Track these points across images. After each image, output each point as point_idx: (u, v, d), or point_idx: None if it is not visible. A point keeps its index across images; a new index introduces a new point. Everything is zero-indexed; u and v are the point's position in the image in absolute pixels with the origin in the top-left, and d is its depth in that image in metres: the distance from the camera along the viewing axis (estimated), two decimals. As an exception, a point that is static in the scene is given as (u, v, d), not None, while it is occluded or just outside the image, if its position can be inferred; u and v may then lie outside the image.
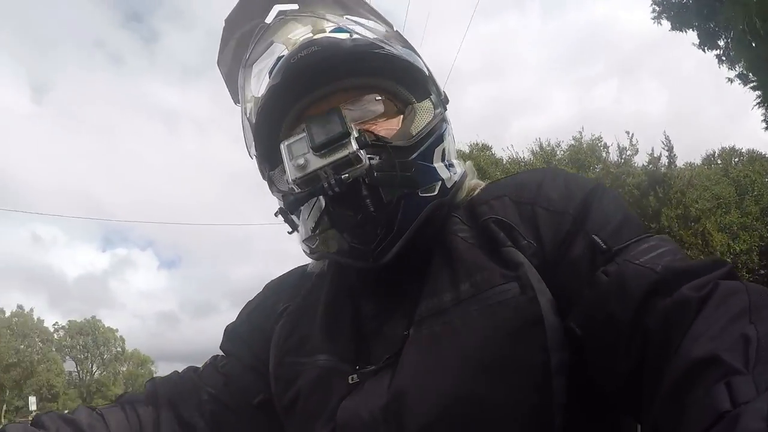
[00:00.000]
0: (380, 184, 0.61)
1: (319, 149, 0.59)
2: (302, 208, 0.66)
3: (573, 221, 0.61)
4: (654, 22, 8.62)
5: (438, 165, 0.68)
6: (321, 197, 0.62)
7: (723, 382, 0.37)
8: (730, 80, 8.43)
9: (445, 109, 0.74)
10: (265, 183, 0.75)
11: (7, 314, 43.87)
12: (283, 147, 0.62)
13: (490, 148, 24.38)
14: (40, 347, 45.03)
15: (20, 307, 45.30)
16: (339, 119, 0.60)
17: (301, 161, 0.60)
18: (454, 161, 0.73)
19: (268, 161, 0.73)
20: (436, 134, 0.69)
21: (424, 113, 0.70)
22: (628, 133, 14.09)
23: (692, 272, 0.51)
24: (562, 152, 21.28)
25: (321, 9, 0.72)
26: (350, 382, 0.63)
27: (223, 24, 0.74)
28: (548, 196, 0.64)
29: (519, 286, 0.58)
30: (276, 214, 0.71)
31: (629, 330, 0.51)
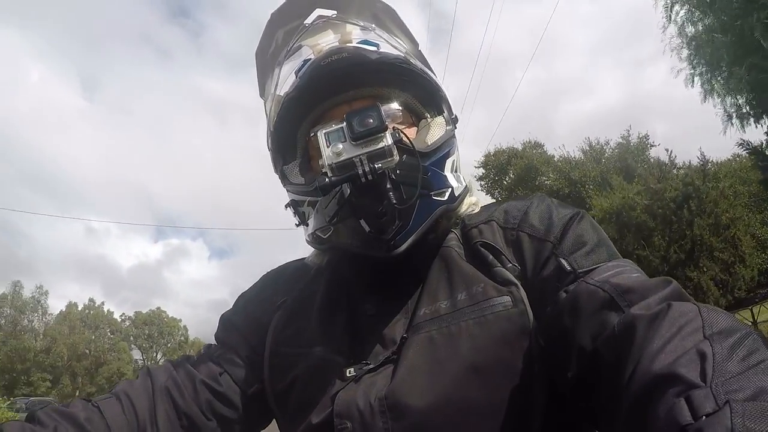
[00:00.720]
0: (403, 181, 0.65)
1: (357, 139, 0.63)
2: (320, 198, 0.70)
3: (552, 248, 0.66)
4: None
5: (448, 174, 0.74)
6: (345, 186, 0.65)
7: (683, 397, 0.38)
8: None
9: (455, 128, 0.79)
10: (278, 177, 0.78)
11: (80, 307, 47.23)
12: (321, 134, 0.65)
13: (542, 145, 24.82)
14: (110, 337, 48.31)
15: (92, 300, 48.72)
16: (378, 114, 0.64)
17: (339, 147, 0.63)
18: (460, 175, 0.78)
19: (283, 156, 0.77)
20: (447, 147, 0.74)
21: (437, 127, 0.75)
22: (667, 150, 15.19)
23: (640, 290, 0.55)
24: (610, 150, 21.87)
25: (356, 18, 0.76)
26: (348, 375, 0.67)
27: (269, 17, 0.77)
28: (532, 224, 0.70)
29: (512, 300, 0.64)
30: (286, 207, 0.75)
31: (579, 343, 0.55)
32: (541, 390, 0.61)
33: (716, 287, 12.04)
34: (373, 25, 0.76)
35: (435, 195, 0.70)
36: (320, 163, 0.66)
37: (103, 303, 49.37)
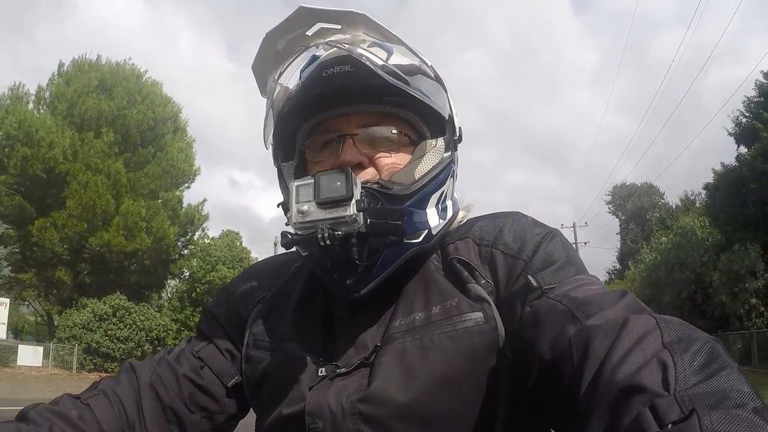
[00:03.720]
0: (371, 233, 0.65)
1: (322, 204, 0.63)
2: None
3: (524, 265, 0.69)
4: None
5: (430, 211, 0.73)
6: None
7: (647, 406, 0.39)
8: None
9: (456, 149, 0.78)
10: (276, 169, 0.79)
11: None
12: (292, 187, 0.66)
13: (657, 188, 32.80)
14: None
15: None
16: (345, 181, 0.63)
17: (305, 208, 0.64)
18: (449, 203, 0.77)
19: (283, 152, 0.78)
20: (438, 180, 0.74)
21: (433, 155, 0.74)
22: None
23: (597, 303, 0.57)
24: (700, 201, 24.07)
25: (362, 33, 0.72)
26: (319, 374, 0.69)
27: (264, 37, 0.72)
28: (506, 242, 0.72)
29: (484, 316, 0.66)
30: (278, 206, 0.74)
31: (539, 354, 0.57)
32: (505, 401, 0.64)
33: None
34: (381, 40, 0.73)
35: (408, 238, 0.70)
36: (288, 216, 0.68)
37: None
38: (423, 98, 0.72)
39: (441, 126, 0.76)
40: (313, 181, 0.65)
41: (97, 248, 19.70)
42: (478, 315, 0.66)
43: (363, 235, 0.65)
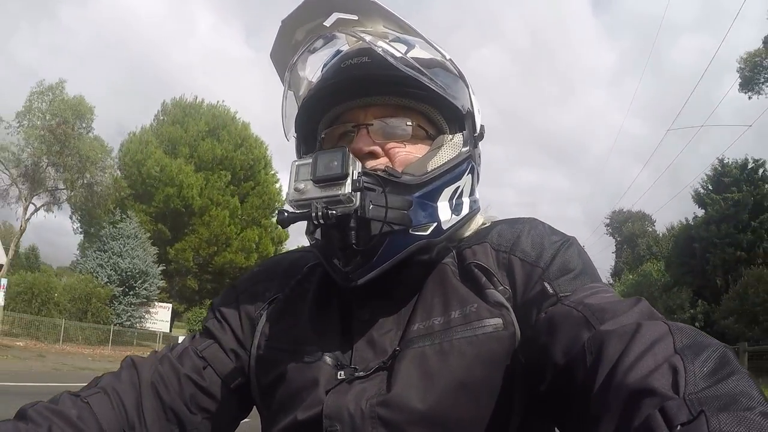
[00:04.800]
0: (371, 218, 0.64)
1: (318, 182, 0.63)
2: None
3: (541, 273, 0.68)
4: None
5: (441, 204, 0.72)
6: None
7: (657, 409, 0.39)
8: None
9: (476, 146, 0.77)
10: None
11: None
12: (293, 166, 0.66)
13: (650, 217, 42.97)
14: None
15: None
16: (341, 159, 0.63)
17: (301, 186, 0.64)
18: (465, 200, 0.76)
19: (305, 146, 0.79)
20: (452, 173, 0.72)
21: (450, 148, 0.73)
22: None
23: (612, 310, 0.57)
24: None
25: (380, 25, 0.73)
26: (338, 377, 0.67)
27: (281, 24, 0.74)
28: (524, 249, 0.71)
29: (503, 322, 0.66)
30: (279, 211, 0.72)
31: (553, 359, 0.57)
32: (520, 406, 0.65)
33: None
34: (400, 32, 0.73)
35: (414, 230, 0.69)
36: (285, 194, 0.69)
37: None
38: (440, 90, 0.71)
39: (460, 121, 0.76)
40: (311, 160, 0.65)
41: (221, 265, 26.83)
42: (498, 321, 0.66)
43: (363, 221, 0.64)
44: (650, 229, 43.55)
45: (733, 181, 25.39)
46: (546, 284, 0.67)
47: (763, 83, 22.43)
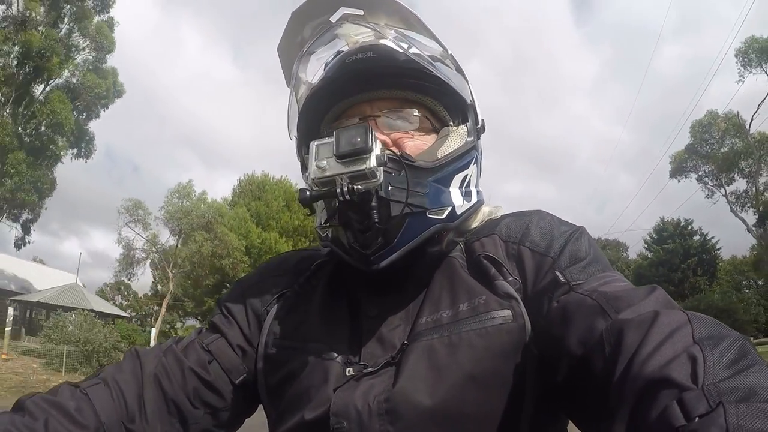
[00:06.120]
0: (394, 198, 0.65)
1: (342, 158, 0.63)
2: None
3: (552, 263, 0.68)
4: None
5: (453, 191, 0.73)
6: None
7: (675, 400, 0.39)
8: None
9: (479, 138, 0.78)
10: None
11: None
12: (312, 146, 0.65)
13: (624, 244, 48.97)
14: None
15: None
16: (365, 134, 0.62)
17: (323, 164, 0.64)
18: (473, 189, 0.77)
19: (306, 146, 0.74)
20: (461, 161, 0.74)
21: (456, 138, 0.74)
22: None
23: (627, 298, 0.56)
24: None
25: (384, 19, 0.74)
26: (347, 374, 0.67)
27: (290, 15, 0.75)
28: (533, 239, 0.71)
29: (512, 314, 0.65)
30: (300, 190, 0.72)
31: (568, 349, 0.56)
32: (531, 399, 0.63)
33: None
34: (404, 27, 0.75)
35: (431, 213, 0.69)
36: (306, 174, 0.68)
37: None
38: (446, 80, 0.73)
39: (464, 113, 0.77)
40: (332, 139, 0.64)
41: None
42: (507, 312, 0.65)
43: (384, 200, 0.64)
44: (624, 255, 48.60)
45: (669, 235, 35.95)
46: (558, 273, 0.67)
47: (690, 171, 31.95)
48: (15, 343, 20.54)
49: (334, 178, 0.63)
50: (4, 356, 16.49)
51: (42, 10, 22.94)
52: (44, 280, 31.33)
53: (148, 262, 29.90)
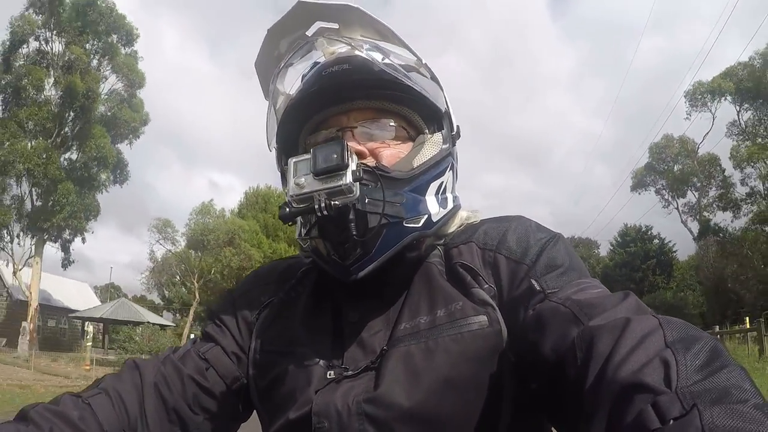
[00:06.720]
0: (368, 211, 0.67)
1: (319, 175, 0.65)
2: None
3: (527, 270, 0.69)
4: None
5: (429, 198, 0.75)
6: None
7: (650, 403, 0.39)
8: None
9: (454, 145, 0.81)
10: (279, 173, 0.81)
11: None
12: (291, 163, 0.68)
13: (596, 242, 56.55)
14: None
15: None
16: (341, 151, 0.65)
17: (302, 181, 0.66)
18: (449, 196, 0.79)
19: (286, 156, 0.77)
20: (437, 169, 0.76)
21: (431, 146, 0.77)
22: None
23: (600, 305, 0.57)
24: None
25: (359, 32, 0.76)
26: (328, 377, 0.69)
27: (266, 33, 0.77)
28: (509, 246, 0.72)
29: (488, 320, 0.67)
30: (280, 207, 0.74)
31: (543, 356, 0.58)
32: (509, 404, 0.65)
33: None
34: (378, 39, 0.76)
35: (408, 222, 0.71)
36: (285, 191, 0.70)
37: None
38: (421, 90, 0.75)
39: (439, 121, 0.79)
40: (310, 156, 0.67)
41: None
42: (483, 318, 0.67)
43: (361, 213, 0.66)
44: (595, 252, 51.28)
45: (631, 239, 40.96)
46: (533, 281, 0.68)
47: (649, 185, 36.73)
48: (84, 354, 23.38)
49: (312, 195, 0.66)
50: (87, 367, 19.61)
51: (81, 51, 25.65)
52: (61, 292, 33.41)
53: (178, 276, 33.21)
